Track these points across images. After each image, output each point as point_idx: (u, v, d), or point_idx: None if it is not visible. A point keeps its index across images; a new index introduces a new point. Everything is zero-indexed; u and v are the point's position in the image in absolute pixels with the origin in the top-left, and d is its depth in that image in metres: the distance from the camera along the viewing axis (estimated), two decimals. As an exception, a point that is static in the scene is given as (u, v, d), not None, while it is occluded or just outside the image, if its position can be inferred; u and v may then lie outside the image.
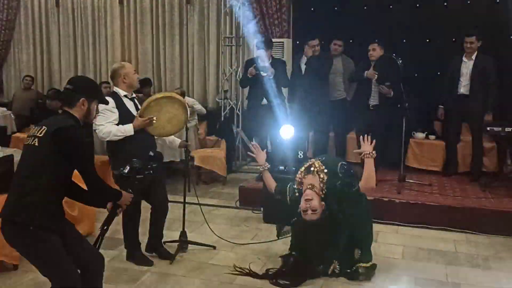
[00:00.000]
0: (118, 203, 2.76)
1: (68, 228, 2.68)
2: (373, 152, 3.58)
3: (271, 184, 3.91)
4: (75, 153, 2.51)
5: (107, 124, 3.63)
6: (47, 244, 2.48)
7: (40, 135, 2.50)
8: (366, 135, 3.66)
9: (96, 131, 3.71)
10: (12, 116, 7.94)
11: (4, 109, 8.08)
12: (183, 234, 4.17)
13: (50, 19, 9.00)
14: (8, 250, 3.62)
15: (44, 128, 2.51)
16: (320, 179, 3.50)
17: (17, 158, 3.99)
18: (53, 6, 8.92)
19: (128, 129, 3.66)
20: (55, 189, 2.54)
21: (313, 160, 3.68)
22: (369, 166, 3.54)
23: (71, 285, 2.52)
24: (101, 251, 4.13)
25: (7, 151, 4.31)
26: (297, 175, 3.66)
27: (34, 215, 2.45)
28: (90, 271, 2.67)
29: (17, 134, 7.59)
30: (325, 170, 3.52)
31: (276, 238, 4.43)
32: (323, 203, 3.46)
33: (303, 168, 3.64)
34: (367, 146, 3.60)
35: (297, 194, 3.63)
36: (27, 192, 2.46)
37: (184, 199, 4.20)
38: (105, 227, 2.79)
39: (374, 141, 3.62)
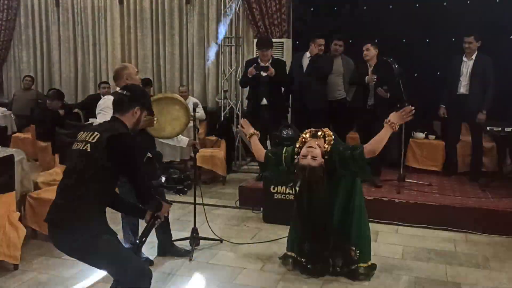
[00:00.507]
0: (157, 214, 2.71)
1: (112, 236, 2.62)
2: (397, 125, 3.40)
3: (260, 149, 3.77)
4: (129, 160, 2.49)
5: None
6: (105, 241, 2.46)
7: (92, 141, 2.46)
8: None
9: None
10: (12, 116, 7.95)
11: (4, 109, 8.08)
12: (195, 231, 4.19)
13: (50, 19, 9.01)
14: (9, 249, 3.64)
15: (97, 134, 2.47)
16: (327, 141, 3.46)
17: (17, 158, 4.01)
18: (53, 6, 8.94)
19: None
20: (104, 195, 2.53)
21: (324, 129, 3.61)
22: (385, 132, 3.43)
23: (146, 276, 2.53)
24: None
25: (8, 151, 4.31)
26: (301, 136, 3.60)
27: (85, 221, 2.41)
28: None
29: (17, 134, 7.61)
30: (332, 141, 3.49)
31: (275, 238, 4.43)
32: (323, 159, 3.39)
33: (307, 132, 3.58)
34: (397, 118, 3.40)
35: (296, 151, 3.54)
36: (78, 197, 2.41)
37: (195, 199, 4.20)
38: (144, 239, 2.75)
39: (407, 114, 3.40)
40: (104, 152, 2.43)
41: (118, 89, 3.82)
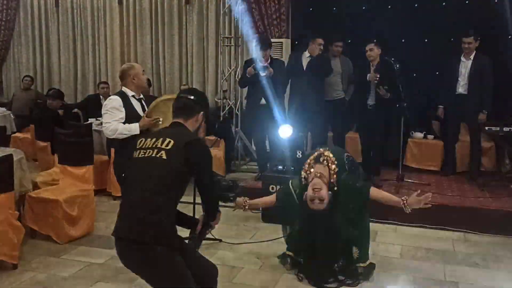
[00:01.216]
0: (211, 224, 2.64)
1: (183, 243, 2.56)
2: (410, 208, 3.34)
3: (267, 200, 3.78)
4: (205, 166, 2.42)
5: (114, 122, 3.65)
6: (175, 266, 2.32)
7: (167, 148, 2.34)
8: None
9: (103, 128, 3.74)
10: (12, 116, 7.95)
11: (4, 109, 8.08)
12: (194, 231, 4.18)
13: (49, 20, 9.02)
14: (7, 249, 3.64)
15: (170, 140, 2.36)
16: (332, 171, 3.43)
17: (16, 158, 4.01)
18: (53, 6, 8.94)
19: (134, 128, 3.67)
20: (177, 204, 2.44)
21: (321, 149, 3.59)
22: (394, 201, 3.44)
23: None
24: (99, 249, 4.18)
25: (7, 150, 4.31)
26: (305, 163, 3.58)
27: (163, 233, 2.29)
28: (206, 285, 2.54)
29: (17, 134, 7.62)
30: (336, 162, 3.47)
31: (274, 238, 4.43)
32: (330, 192, 3.40)
33: (312, 156, 3.55)
34: (415, 202, 3.31)
35: (303, 183, 3.54)
36: (156, 208, 2.28)
37: (194, 199, 4.21)
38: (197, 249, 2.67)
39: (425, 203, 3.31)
40: (181, 158, 2.32)
41: (123, 88, 3.80)
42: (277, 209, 3.84)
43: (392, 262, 4.01)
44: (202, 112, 2.54)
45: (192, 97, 2.54)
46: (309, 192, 3.39)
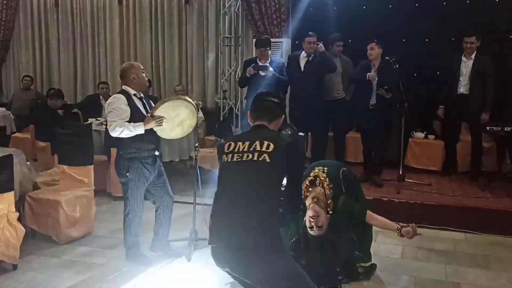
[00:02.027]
0: None
1: None
2: (402, 235, 3.38)
3: None
4: (300, 168, 2.43)
5: (119, 121, 3.64)
6: (296, 267, 2.28)
7: (268, 150, 2.28)
8: None
9: (108, 127, 3.72)
10: (12, 116, 7.94)
11: (3, 109, 8.07)
12: (194, 232, 4.18)
13: (49, 20, 9.00)
14: (7, 249, 3.63)
15: (269, 143, 2.30)
16: (326, 194, 3.41)
17: (16, 158, 4.00)
18: (52, 7, 8.92)
19: (139, 127, 3.66)
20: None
21: (316, 170, 3.55)
22: (388, 226, 3.47)
23: None
24: (99, 250, 4.18)
25: (7, 151, 4.30)
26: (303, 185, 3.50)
27: (279, 237, 2.25)
28: None
29: (17, 134, 7.61)
30: (331, 185, 3.45)
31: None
32: (328, 216, 3.38)
33: (307, 180, 3.51)
34: (410, 233, 3.34)
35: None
36: (269, 213, 2.23)
37: (194, 199, 4.20)
38: None
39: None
40: (283, 161, 2.28)
41: (124, 87, 3.79)
42: None
43: (393, 263, 4.00)
44: (283, 115, 2.53)
45: (276, 100, 2.53)
46: (307, 219, 3.39)
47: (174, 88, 7.61)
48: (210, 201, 5.84)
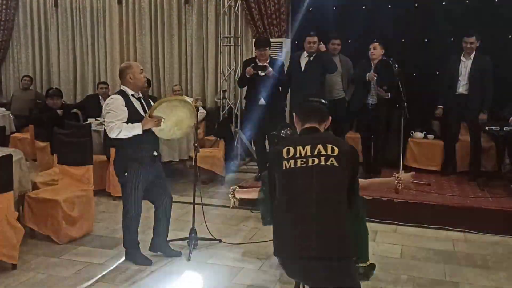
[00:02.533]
0: None
1: None
2: (402, 184, 3.26)
3: (251, 192, 3.75)
4: (358, 171, 2.41)
5: (117, 122, 3.64)
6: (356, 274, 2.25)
7: (333, 154, 2.23)
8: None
9: (106, 128, 3.72)
10: (11, 116, 7.94)
11: (3, 109, 8.07)
12: (193, 231, 4.18)
13: (48, 20, 9.01)
14: (7, 249, 3.63)
15: (333, 147, 2.26)
16: None
17: (15, 158, 4.00)
18: (52, 7, 8.93)
19: (137, 128, 3.66)
20: None
21: None
22: (386, 182, 3.43)
23: None
24: (99, 249, 4.18)
25: (6, 151, 4.30)
26: None
27: (354, 244, 2.24)
28: None
29: (16, 134, 7.61)
30: None
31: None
32: None
33: None
34: (407, 179, 3.27)
35: None
36: (343, 219, 2.19)
37: (194, 199, 4.20)
38: None
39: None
40: (349, 163, 2.26)
41: (122, 87, 3.79)
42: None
43: (393, 262, 4.00)
44: (330, 117, 2.50)
45: (323, 101, 2.51)
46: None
47: (172, 88, 7.62)
48: (209, 201, 5.89)
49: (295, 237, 2.17)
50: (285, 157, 2.27)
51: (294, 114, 2.49)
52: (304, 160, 2.23)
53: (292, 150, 2.27)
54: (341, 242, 2.17)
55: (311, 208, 2.17)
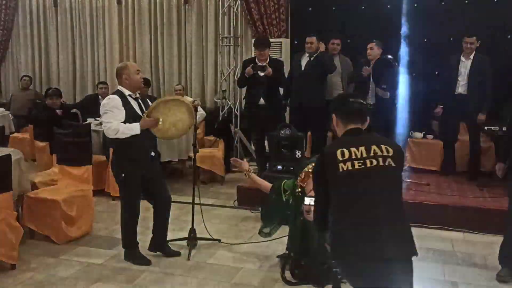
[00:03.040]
0: None
1: None
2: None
3: (266, 184, 3.87)
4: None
5: (115, 122, 3.63)
6: None
7: (389, 154, 2.21)
8: None
9: (104, 128, 3.71)
10: (11, 116, 7.93)
11: (2, 109, 8.06)
12: (193, 231, 4.18)
13: (48, 19, 9.01)
14: (5, 249, 3.63)
15: (387, 147, 2.24)
16: None
17: (14, 158, 4.00)
18: (51, 6, 8.93)
19: (135, 128, 3.66)
20: None
21: None
22: None
23: None
24: (97, 250, 4.18)
25: (5, 151, 4.29)
26: (303, 171, 3.58)
27: (414, 244, 2.21)
28: None
29: (15, 134, 7.61)
30: None
31: (273, 238, 4.42)
32: None
33: (310, 166, 3.52)
34: None
35: (299, 190, 3.56)
36: (405, 219, 2.19)
37: (193, 199, 4.19)
38: None
39: None
40: (401, 164, 2.27)
41: (119, 87, 3.79)
42: (264, 207, 4.01)
43: (392, 262, 3.99)
44: (368, 117, 2.46)
45: (362, 101, 2.45)
46: (306, 205, 3.36)
47: (174, 88, 7.62)
48: (209, 201, 5.89)
49: (364, 240, 2.13)
50: (340, 159, 2.20)
51: (334, 115, 2.41)
52: (362, 161, 2.19)
53: (346, 152, 2.22)
54: (409, 242, 2.18)
55: (377, 209, 2.15)
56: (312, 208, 3.32)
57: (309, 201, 2.77)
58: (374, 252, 2.10)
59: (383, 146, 2.24)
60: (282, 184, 3.74)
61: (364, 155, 2.20)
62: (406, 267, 2.17)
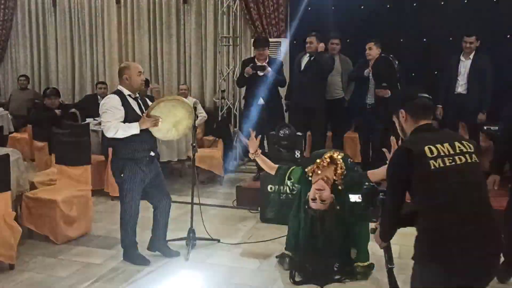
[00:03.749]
0: None
1: None
2: None
3: (271, 166, 3.86)
4: None
5: (114, 121, 3.62)
6: None
7: (472, 151, 2.20)
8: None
9: (103, 128, 3.70)
10: (9, 116, 7.92)
11: (1, 109, 8.05)
12: (192, 231, 4.18)
13: (47, 19, 9.00)
14: (4, 249, 3.63)
15: (467, 143, 2.21)
16: (338, 175, 3.51)
17: (13, 157, 3.99)
18: (50, 6, 8.92)
19: (133, 128, 3.65)
20: None
21: (335, 154, 3.62)
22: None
23: None
24: (96, 250, 4.17)
25: (4, 150, 4.29)
26: (315, 162, 3.59)
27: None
28: None
29: (14, 134, 7.60)
30: (344, 168, 3.55)
31: (272, 238, 4.42)
32: (332, 195, 3.45)
33: (325, 158, 3.57)
34: None
35: (309, 177, 3.58)
36: (493, 213, 2.19)
37: (192, 199, 4.19)
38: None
39: None
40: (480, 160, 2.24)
41: (119, 86, 3.78)
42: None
43: (391, 262, 3.99)
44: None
45: (429, 96, 2.39)
46: (311, 192, 3.45)
47: (178, 87, 7.60)
48: (208, 201, 5.88)
49: (466, 237, 2.10)
50: (430, 156, 2.15)
51: (403, 111, 2.35)
52: (451, 158, 2.15)
53: (434, 149, 2.17)
54: (500, 238, 2.21)
55: (476, 206, 2.14)
56: (317, 196, 3.35)
57: (355, 198, 2.72)
58: (478, 248, 2.09)
59: (464, 143, 2.21)
60: (290, 171, 3.75)
61: (451, 151, 2.16)
62: (498, 261, 2.23)
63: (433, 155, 2.15)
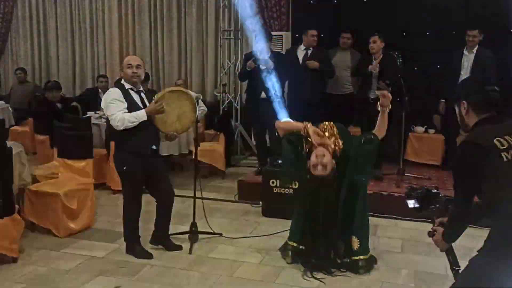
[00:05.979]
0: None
1: None
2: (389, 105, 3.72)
3: (298, 125, 3.71)
4: None
5: (119, 113, 3.62)
6: None
7: None
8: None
9: (110, 120, 3.70)
10: (10, 109, 7.91)
11: (2, 102, 8.04)
12: (194, 225, 4.18)
13: (47, 12, 8.95)
14: (7, 242, 3.63)
15: None
16: (336, 144, 3.55)
17: (15, 151, 3.98)
18: (51, -1, 8.88)
19: (141, 115, 3.64)
20: None
21: (331, 123, 3.68)
22: (384, 116, 3.67)
23: None
24: (99, 243, 4.17)
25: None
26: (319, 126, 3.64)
27: None
28: None
29: (16, 127, 7.59)
30: (340, 137, 3.60)
31: (274, 232, 4.42)
32: (333, 161, 3.47)
33: (325, 125, 3.64)
34: (386, 102, 3.69)
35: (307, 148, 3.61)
36: None
37: (194, 193, 4.19)
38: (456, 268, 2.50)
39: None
40: None
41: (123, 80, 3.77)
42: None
43: (393, 256, 4.01)
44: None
45: (498, 88, 2.33)
46: (313, 158, 3.47)
47: (175, 83, 7.58)
48: (209, 195, 5.86)
49: None
50: (501, 147, 2.11)
51: (465, 102, 2.30)
52: (506, 153, 2.11)
53: (503, 140, 2.13)
54: None
55: None
56: (319, 161, 3.39)
57: (411, 204, 2.72)
58: None
59: None
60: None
61: (507, 145, 2.12)
62: None
63: (504, 147, 2.10)
